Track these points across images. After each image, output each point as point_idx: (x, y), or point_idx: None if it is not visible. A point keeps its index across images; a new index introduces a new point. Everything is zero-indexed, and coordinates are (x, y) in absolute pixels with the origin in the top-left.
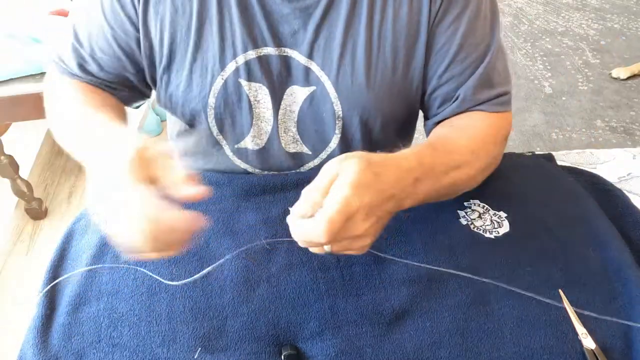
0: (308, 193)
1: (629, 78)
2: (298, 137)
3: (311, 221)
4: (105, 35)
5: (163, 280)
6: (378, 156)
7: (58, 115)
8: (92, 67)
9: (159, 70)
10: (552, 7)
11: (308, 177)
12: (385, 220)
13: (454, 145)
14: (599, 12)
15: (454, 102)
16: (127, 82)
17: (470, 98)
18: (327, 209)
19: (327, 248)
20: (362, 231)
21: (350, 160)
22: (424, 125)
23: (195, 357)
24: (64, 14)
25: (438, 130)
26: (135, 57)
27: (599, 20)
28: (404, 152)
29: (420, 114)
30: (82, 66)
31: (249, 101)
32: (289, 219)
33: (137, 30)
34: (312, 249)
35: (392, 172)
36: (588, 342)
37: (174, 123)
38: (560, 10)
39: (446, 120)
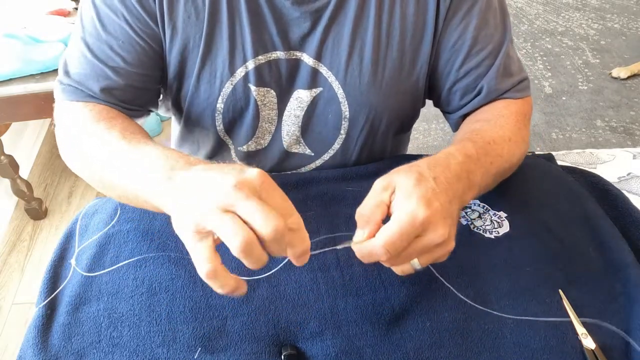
0: (364, 214)
1: (629, 78)
2: (301, 138)
3: (385, 239)
4: (130, 41)
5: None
6: (424, 162)
7: (92, 145)
8: (114, 80)
9: (170, 77)
10: (552, 7)
11: (308, 178)
12: (456, 220)
13: (490, 136)
14: (599, 12)
15: (478, 94)
16: (145, 95)
17: (494, 88)
18: (396, 225)
19: (416, 266)
20: (443, 237)
21: (403, 174)
22: (448, 119)
23: (195, 357)
24: (63, 13)
25: (466, 127)
26: (159, 62)
27: (599, 20)
28: (446, 151)
29: (422, 113)
30: (102, 83)
31: (256, 105)
32: (354, 247)
33: (162, 32)
34: (400, 269)
35: (447, 172)
36: (588, 342)
37: (177, 125)
38: (560, 10)
39: (470, 117)
